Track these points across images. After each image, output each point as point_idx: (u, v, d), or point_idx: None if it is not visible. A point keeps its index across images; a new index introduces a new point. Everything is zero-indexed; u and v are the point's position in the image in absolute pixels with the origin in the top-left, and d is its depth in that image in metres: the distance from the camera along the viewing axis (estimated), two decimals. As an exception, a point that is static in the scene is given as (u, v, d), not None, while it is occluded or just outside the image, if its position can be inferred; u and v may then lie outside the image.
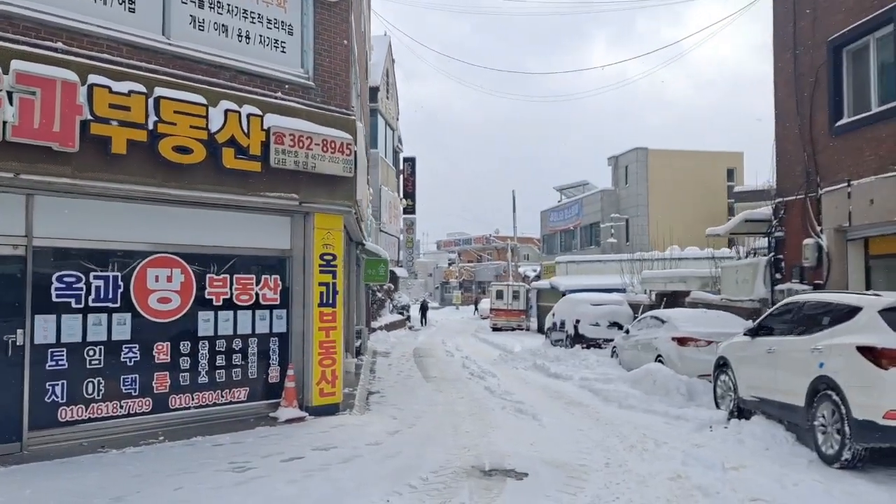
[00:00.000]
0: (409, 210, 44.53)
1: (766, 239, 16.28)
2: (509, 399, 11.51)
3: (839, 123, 12.51)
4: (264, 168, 8.74)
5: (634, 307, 21.68)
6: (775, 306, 9.34)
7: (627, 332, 15.44)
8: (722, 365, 9.74)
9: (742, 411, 9.15)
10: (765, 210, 15.90)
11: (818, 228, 12.87)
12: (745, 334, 9.15)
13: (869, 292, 8.06)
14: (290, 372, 9.55)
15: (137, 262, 8.43)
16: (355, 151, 9.76)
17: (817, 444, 7.12)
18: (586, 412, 10.27)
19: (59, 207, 7.78)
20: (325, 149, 9.29)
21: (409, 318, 42.29)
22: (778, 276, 14.12)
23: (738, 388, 9.17)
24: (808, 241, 13.01)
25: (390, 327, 31.55)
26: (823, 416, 7.01)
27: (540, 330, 35.76)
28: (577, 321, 21.50)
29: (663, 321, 13.49)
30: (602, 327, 21.13)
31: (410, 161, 43.10)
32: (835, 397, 6.78)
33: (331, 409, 9.78)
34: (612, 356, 16.59)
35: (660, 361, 12.69)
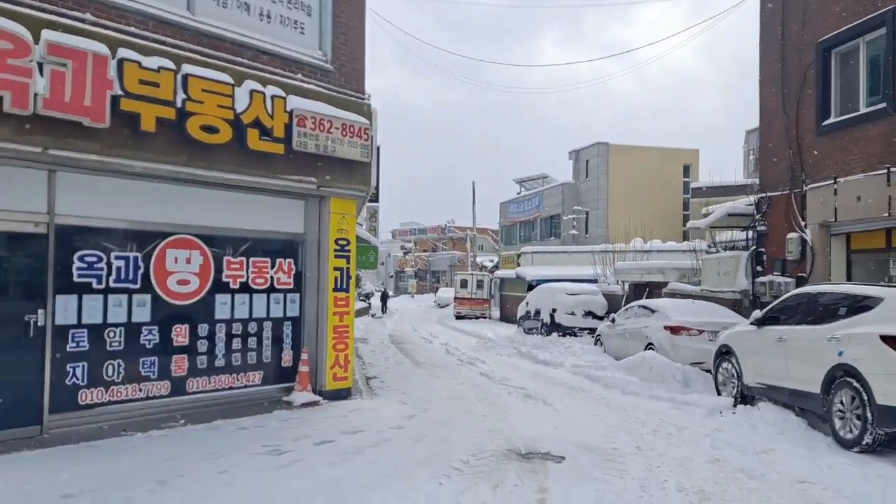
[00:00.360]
0: (373, 199, 44.39)
1: (745, 232, 16.86)
2: (510, 385, 11.65)
3: (826, 123, 12.98)
4: (287, 150, 8.64)
5: (608, 297, 22.14)
6: (783, 297, 9.69)
7: (613, 321, 15.76)
8: (725, 353, 10.07)
9: (745, 398, 9.49)
10: (741, 203, 16.43)
11: (802, 223, 13.36)
12: (752, 323, 9.47)
13: (887, 284, 8.42)
14: (303, 356, 9.50)
15: (157, 242, 8.26)
16: (372, 136, 9.72)
17: (834, 429, 7.45)
18: (592, 398, 10.49)
19: (80, 184, 7.56)
20: (344, 133, 9.23)
21: (370, 305, 42.28)
22: (759, 268, 14.60)
23: (742, 375, 9.50)
24: (792, 235, 13.49)
25: (356, 314, 31.40)
26: (842, 403, 7.35)
27: (503, 319, 36.16)
28: (554, 310, 21.84)
29: (653, 311, 13.82)
30: (578, 316, 21.54)
31: (376, 149, 42.85)
32: (855, 384, 7.11)
33: (343, 394, 9.77)
34: (595, 344, 16.92)
35: (650, 349, 13.01)
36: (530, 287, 35.11)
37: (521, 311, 25.74)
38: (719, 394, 10.17)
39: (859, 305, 7.54)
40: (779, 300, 9.63)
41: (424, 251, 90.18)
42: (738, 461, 6.53)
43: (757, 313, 9.44)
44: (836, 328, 7.61)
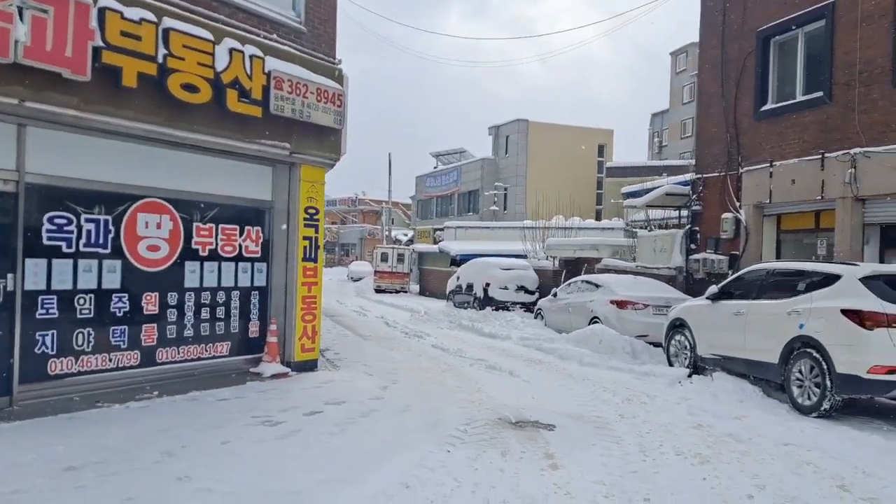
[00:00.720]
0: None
1: (678, 211, 17.67)
2: (468, 357, 11.82)
3: (764, 108, 13.73)
4: (264, 114, 8.36)
5: (539, 273, 22.67)
6: (738, 273, 10.27)
7: (555, 295, 16.20)
8: (678, 326, 10.60)
9: (697, 368, 10.05)
10: (673, 183, 17.19)
11: (737, 204, 14.14)
12: (707, 298, 10.00)
13: (845, 262, 9.07)
14: (272, 327, 9.30)
15: (128, 205, 7.84)
16: (345, 103, 9.52)
17: (792, 396, 8.03)
18: (552, 369, 10.81)
19: (51, 141, 7.07)
20: (319, 98, 9.02)
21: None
22: (693, 246, 15.37)
23: (696, 347, 10.04)
24: (726, 214, 14.25)
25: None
26: (800, 372, 7.92)
27: (423, 293, 36.37)
28: (487, 284, 22.16)
29: (598, 286, 14.31)
30: (511, 290, 21.95)
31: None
32: (815, 354, 7.68)
33: (310, 366, 9.66)
34: (535, 318, 17.36)
35: (595, 323, 13.50)
36: (454, 262, 35.51)
37: (450, 286, 25.93)
38: (671, 364, 10.70)
39: (818, 281, 8.11)
40: (733, 276, 10.21)
41: (333, 223, 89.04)
42: (720, 427, 6.95)
43: (713, 289, 9.97)
44: (797, 303, 8.17)
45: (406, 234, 61.09)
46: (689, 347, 10.25)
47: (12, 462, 5.24)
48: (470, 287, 23.40)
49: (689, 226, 15.66)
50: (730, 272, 14.05)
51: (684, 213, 17.09)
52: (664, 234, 16.25)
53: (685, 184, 16.85)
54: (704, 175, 15.28)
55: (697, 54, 15.92)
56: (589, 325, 13.72)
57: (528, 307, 21.47)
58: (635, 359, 11.65)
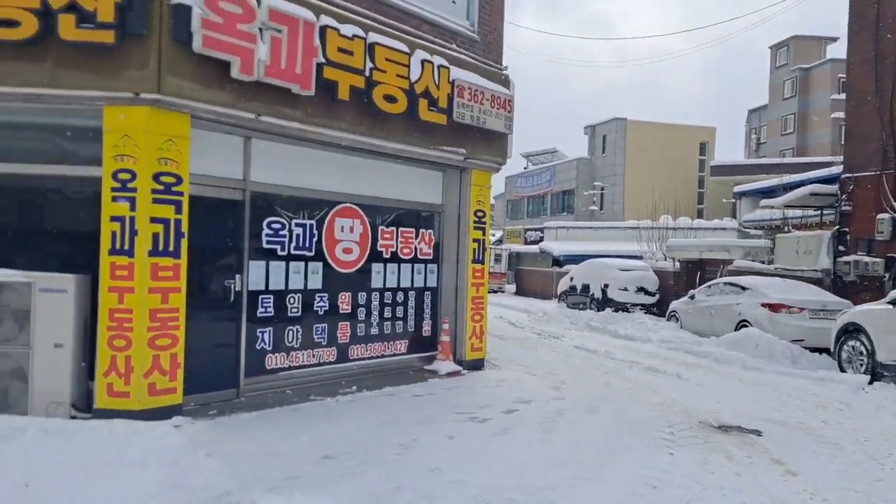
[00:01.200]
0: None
1: (819, 211, 17.08)
2: (618, 359, 11.83)
3: (925, 106, 13.12)
4: (448, 121, 8.66)
5: (658, 274, 22.30)
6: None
7: (692, 297, 15.95)
8: (852, 331, 10.28)
9: (876, 375, 9.72)
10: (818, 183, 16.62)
11: (894, 204, 13.55)
12: (888, 303, 9.69)
13: None
14: (445, 326, 9.61)
15: (327, 210, 8.29)
16: (513, 108, 9.73)
17: None
18: (718, 373, 10.69)
19: (269, 152, 7.55)
20: (492, 104, 9.26)
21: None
22: (842, 248, 14.82)
23: (875, 352, 9.72)
24: (882, 215, 13.68)
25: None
26: None
27: (519, 293, 36.33)
28: (606, 285, 22.01)
29: (744, 288, 14.00)
30: (630, 292, 21.72)
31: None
32: None
33: (478, 365, 9.91)
34: (668, 320, 17.14)
35: (744, 327, 13.22)
36: (556, 262, 35.42)
37: (562, 286, 25.86)
38: (842, 370, 10.39)
39: None
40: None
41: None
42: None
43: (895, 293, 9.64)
44: None
45: (494, 235, 61.11)
46: (866, 353, 9.93)
47: (272, 450, 5.65)
48: (586, 288, 23.29)
49: (837, 226, 15.11)
50: (885, 276, 13.50)
51: (827, 213, 16.52)
52: (809, 236, 15.74)
53: (827, 182, 16.29)
54: (855, 174, 14.71)
55: (847, 48, 15.33)
56: (736, 329, 13.45)
57: (648, 309, 21.20)
58: (795, 364, 11.36)
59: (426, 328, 9.72)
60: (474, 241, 9.84)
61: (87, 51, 5.87)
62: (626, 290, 21.83)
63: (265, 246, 7.58)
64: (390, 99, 7.86)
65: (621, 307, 21.36)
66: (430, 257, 9.76)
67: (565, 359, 11.91)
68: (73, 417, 5.97)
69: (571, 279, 25.05)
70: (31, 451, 4.97)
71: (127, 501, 4.61)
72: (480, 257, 9.94)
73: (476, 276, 9.89)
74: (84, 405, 6.15)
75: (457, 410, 7.31)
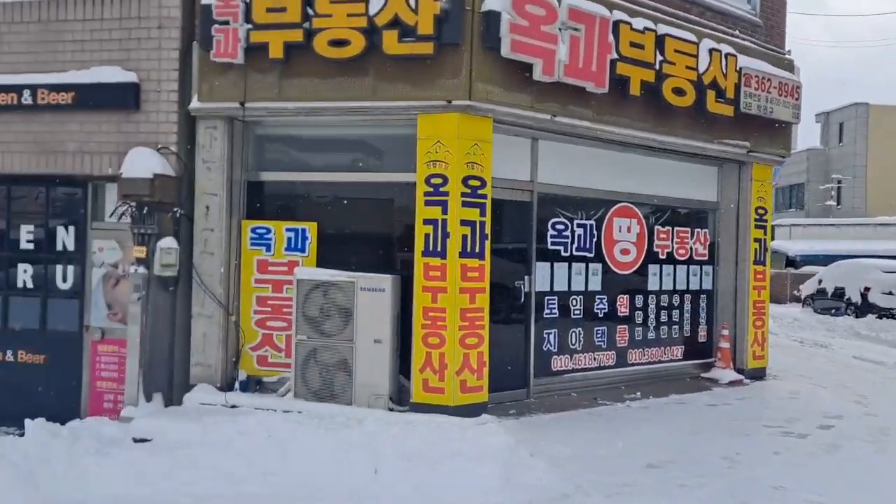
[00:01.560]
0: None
1: None
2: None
3: None
4: (735, 113, 8.11)
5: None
6: None
7: None
8: None
9: None
10: None
11: None
12: None
13: None
14: (724, 332, 9.04)
15: (605, 210, 8.13)
16: (800, 95, 8.93)
17: None
18: None
19: (554, 152, 7.54)
20: (780, 92, 8.55)
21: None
22: None
23: None
24: None
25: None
26: None
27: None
28: (867, 289, 19.73)
29: None
30: (896, 296, 19.31)
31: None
32: None
33: (759, 374, 9.22)
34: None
35: None
36: (790, 262, 32.54)
37: (807, 289, 23.62)
38: None
39: None
40: None
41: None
42: None
43: None
44: None
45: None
46: None
47: (593, 455, 5.57)
48: (839, 292, 21.09)
49: None
50: None
51: None
52: None
53: None
54: None
55: None
56: None
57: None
58: None
59: (702, 333, 9.20)
60: (755, 240, 9.16)
61: (404, 63, 6.19)
62: (891, 293, 19.43)
63: (550, 247, 7.57)
64: (679, 92, 7.50)
65: (886, 313, 19.04)
66: (706, 258, 9.23)
67: (846, 370, 10.77)
68: (390, 409, 6.31)
69: (820, 282, 22.81)
70: (374, 440, 5.30)
71: (470, 495, 4.75)
72: (762, 258, 9.23)
73: (758, 278, 9.19)
74: (398, 399, 6.48)
75: (764, 423, 6.84)
